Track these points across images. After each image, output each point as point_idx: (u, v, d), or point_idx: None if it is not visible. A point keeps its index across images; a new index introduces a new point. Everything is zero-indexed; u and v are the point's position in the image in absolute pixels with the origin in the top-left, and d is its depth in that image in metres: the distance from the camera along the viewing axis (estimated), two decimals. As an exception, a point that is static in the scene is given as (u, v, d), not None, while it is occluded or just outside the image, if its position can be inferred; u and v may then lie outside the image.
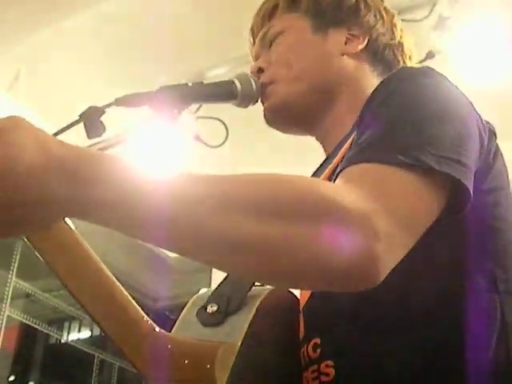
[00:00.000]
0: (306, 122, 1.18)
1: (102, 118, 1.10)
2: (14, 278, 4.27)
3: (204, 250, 0.69)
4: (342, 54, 1.17)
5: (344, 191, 0.70)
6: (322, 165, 1.13)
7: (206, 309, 0.90)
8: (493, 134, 0.95)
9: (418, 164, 0.75)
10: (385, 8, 1.24)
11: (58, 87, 3.25)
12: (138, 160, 0.67)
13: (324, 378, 0.91)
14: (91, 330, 5.54)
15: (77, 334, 5.58)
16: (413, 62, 1.23)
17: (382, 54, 1.19)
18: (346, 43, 1.18)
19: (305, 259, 0.67)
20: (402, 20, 1.29)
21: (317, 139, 1.21)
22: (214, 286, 0.96)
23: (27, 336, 5.14)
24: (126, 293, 0.83)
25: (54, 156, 0.63)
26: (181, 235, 0.67)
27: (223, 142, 3.17)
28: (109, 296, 0.82)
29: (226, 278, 0.95)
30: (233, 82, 1.17)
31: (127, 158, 0.67)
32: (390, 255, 0.70)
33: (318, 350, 0.94)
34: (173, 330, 0.89)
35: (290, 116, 1.18)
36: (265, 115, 1.20)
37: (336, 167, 1.02)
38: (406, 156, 0.75)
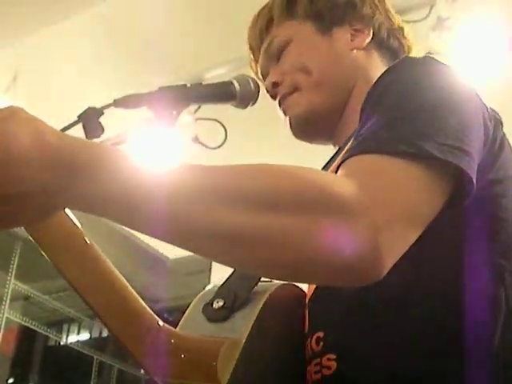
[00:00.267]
0: (329, 128, 1.18)
1: (101, 119, 1.09)
2: (12, 280, 4.27)
3: (203, 242, 0.68)
4: (351, 49, 1.17)
5: (345, 183, 0.69)
6: (332, 158, 1.13)
7: (212, 304, 0.89)
8: (499, 122, 0.93)
9: (420, 153, 0.73)
10: None
11: (55, 88, 3.24)
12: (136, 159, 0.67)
13: (326, 372, 0.91)
14: (90, 332, 5.54)
15: (76, 336, 5.58)
16: (417, 47, 1.24)
17: (387, 42, 1.20)
18: (351, 39, 1.18)
19: (305, 252, 0.66)
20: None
21: (332, 142, 1.21)
22: (212, 285, 0.96)
23: (26, 338, 5.14)
24: (130, 287, 0.83)
25: (51, 146, 0.62)
26: (179, 228, 0.66)
27: (222, 144, 3.17)
28: (112, 289, 0.82)
29: (233, 273, 0.94)
30: (231, 83, 1.17)
31: (124, 150, 0.67)
32: (393, 247, 0.69)
33: (321, 343, 0.93)
34: (178, 326, 0.89)
35: (316, 124, 1.18)
36: (291, 127, 1.19)
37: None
38: (406, 145, 0.74)
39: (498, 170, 0.89)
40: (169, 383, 0.80)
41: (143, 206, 0.64)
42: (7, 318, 4.19)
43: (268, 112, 1.22)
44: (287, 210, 0.66)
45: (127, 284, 0.83)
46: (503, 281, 0.86)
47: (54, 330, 5.12)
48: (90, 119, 1.08)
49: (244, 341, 0.83)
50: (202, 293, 0.95)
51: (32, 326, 4.53)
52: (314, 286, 0.99)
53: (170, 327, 0.85)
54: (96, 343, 5.32)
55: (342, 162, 0.76)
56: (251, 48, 1.28)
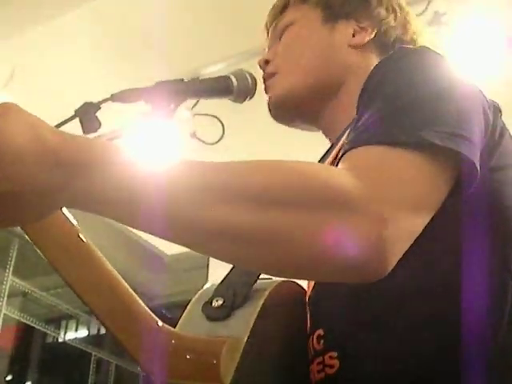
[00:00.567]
0: (311, 113, 1.18)
1: (98, 114, 1.09)
2: (10, 277, 4.27)
3: (206, 240, 0.67)
4: (349, 46, 1.16)
5: (348, 177, 0.68)
6: (326, 153, 1.13)
7: (211, 303, 0.88)
8: (498, 110, 0.92)
9: (421, 142, 0.73)
10: (399, 5, 1.22)
11: (53, 84, 3.24)
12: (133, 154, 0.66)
13: (329, 370, 0.90)
14: (88, 329, 5.55)
15: (74, 333, 5.58)
16: None
17: (392, 47, 1.17)
18: (354, 35, 1.17)
19: (310, 249, 0.65)
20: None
21: (322, 131, 1.21)
22: (210, 283, 0.95)
23: (24, 335, 5.14)
24: (128, 287, 0.82)
25: (48, 143, 0.61)
26: (182, 226, 0.65)
27: (219, 139, 3.17)
28: (111, 290, 0.80)
29: (231, 271, 0.94)
30: (229, 78, 1.16)
31: (123, 146, 0.65)
32: (399, 241, 0.68)
33: (322, 342, 0.92)
34: (177, 326, 0.87)
35: (294, 107, 1.17)
36: (269, 107, 1.19)
37: (337, 155, 1.02)
38: (407, 135, 0.73)
39: (500, 157, 0.88)
40: None
41: (145, 204, 0.63)
42: (5, 314, 4.19)
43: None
44: (292, 206, 0.65)
45: (125, 283, 0.81)
46: (509, 270, 0.85)
47: (52, 327, 5.13)
48: (87, 114, 1.07)
49: (245, 339, 0.82)
50: (200, 291, 0.94)
51: (30, 323, 4.54)
52: (313, 284, 0.99)
53: (170, 327, 0.83)
54: (94, 340, 5.34)
55: (343, 154, 0.76)
56: (266, 27, 1.29)
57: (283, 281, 0.95)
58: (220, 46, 3.00)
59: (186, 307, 0.92)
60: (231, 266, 0.95)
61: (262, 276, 0.92)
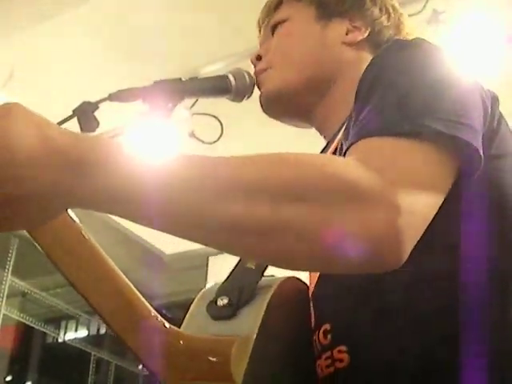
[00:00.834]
0: (302, 109, 1.18)
1: (97, 114, 1.09)
2: (9, 277, 4.27)
3: (212, 235, 0.66)
4: (342, 43, 1.17)
5: (358, 169, 0.68)
6: (322, 151, 1.13)
7: (215, 302, 0.87)
8: (496, 99, 0.93)
9: (426, 130, 0.73)
10: (393, 6, 1.24)
11: (52, 84, 3.24)
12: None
13: (339, 365, 0.89)
14: (88, 329, 5.55)
15: (74, 333, 5.58)
16: None
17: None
18: (346, 34, 1.18)
19: (327, 242, 0.65)
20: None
21: (316, 128, 1.21)
22: (209, 282, 0.94)
23: (24, 335, 5.14)
24: (133, 287, 0.81)
25: (56, 144, 0.59)
26: (194, 221, 0.65)
27: (218, 139, 3.17)
28: (116, 291, 0.79)
29: (234, 269, 0.93)
30: (226, 77, 1.17)
31: (127, 144, 0.65)
32: (413, 227, 0.69)
33: (329, 336, 0.92)
34: (182, 326, 0.87)
35: (285, 103, 1.17)
36: (260, 102, 1.19)
37: (334, 153, 1.02)
38: (412, 124, 0.74)
39: (499, 145, 0.89)
40: None
41: (149, 201, 0.62)
42: (4, 314, 4.19)
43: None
44: (307, 200, 0.65)
45: (130, 284, 0.80)
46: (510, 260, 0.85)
47: (52, 327, 5.13)
48: (85, 113, 1.07)
49: (254, 338, 0.81)
50: (202, 291, 0.93)
51: (29, 323, 4.54)
52: (316, 279, 0.98)
53: (177, 329, 0.83)
54: (93, 340, 5.34)
55: (350, 146, 0.75)
56: (259, 25, 1.29)
57: (287, 277, 0.94)
58: (218, 46, 3.00)
59: (186, 306, 0.91)
60: (231, 264, 0.95)
61: (265, 273, 0.92)
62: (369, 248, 0.65)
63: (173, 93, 1.11)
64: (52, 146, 0.59)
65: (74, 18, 3.01)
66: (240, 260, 0.96)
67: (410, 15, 2.41)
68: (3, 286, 4.23)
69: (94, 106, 1.09)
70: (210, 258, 4.63)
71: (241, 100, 1.19)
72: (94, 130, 1.07)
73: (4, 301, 4.18)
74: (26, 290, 4.57)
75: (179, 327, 0.86)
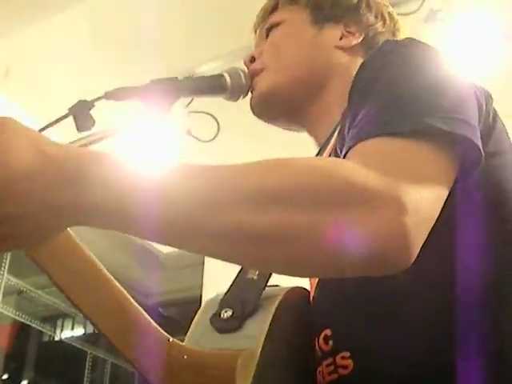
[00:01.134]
0: (292, 112, 1.18)
1: (92, 112, 1.09)
2: (5, 275, 4.26)
3: (219, 243, 0.66)
4: (335, 47, 1.17)
5: (363, 171, 0.68)
6: (317, 154, 1.12)
7: (219, 315, 0.86)
8: (489, 96, 0.93)
9: (427, 129, 0.73)
10: (389, 13, 1.24)
11: (48, 83, 3.23)
12: (129, 154, 0.65)
13: (342, 371, 0.87)
14: (84, 327, 5.54)
15: (70, 331, 5.57)
16: None
17: None
18: (340, 38, 1.18)
19: (335, 246, 0.64)
20: (393, 13, 1.29)
21: (307, 131, 1.21)
22: (205, 281, 0.93)
23: (20, 333, 5.13)
24: (135, 304, 0.79)
25: (52, 158, 0.59)
26: (191, 233, 0.64)
27: (214, 137, 3.17)
28: (120, 310, 0.78)
29: (235, 280, 0.92)
30: (222, 76, 1.17)
31: (122, 154, 0.64)
32: (420, 226, 0.68)
33: (330, 342, 0.90)
34: (186, 340, 0.85)
35: (275, 105, 1.18)
36: (251, 105, 1.19)
37: (329, 156, 1.01)
38: (412, 124, 0.74)
39: (495, 142, 0.89)
40: None
41: (147, 215, 0.62)
42: (0, 312, 4.18)
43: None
44: (312, 205, 0.64)
45: (132, 300, 0.78)
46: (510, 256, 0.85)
47: (48, 325, 5.12)
48: (81, 112, 1.07)
49: (260, 350, 0.80)
50: (205, 303, 0.91)
51: (25, 321, 4.53)
52: (316, 283, 0.97)
53: (181, 343, 0.81)
54: (90, 338, 5.32)
55: (350, 148, 0.75)
56: (254, 28, 1.30)
57: (292, 287, 0.93)
58: (214, 45, 2.99)
59: (182, 305, 0.90)
60: (227, 264, 0.94)
61: (269, 284, 0.90)
62: (380, 249, 0.65)
63: (169, 92, 1.11)
64: (49, 161, 0.58)
65: (70, 17, 3.01)
66: (241, 270, 0.94)
67: (407, 14, 2.43)
68: (-1, 284, 4.22)
69: (90, 104, 1.09)
70: (206, 257, 4.63)
71: (237, 99, 1.19)
72: (89, 129, 1.07)
73: (0, 299, 4.17)
74: (22, 288, 4.55)
75: (176, 326, 0.85)
